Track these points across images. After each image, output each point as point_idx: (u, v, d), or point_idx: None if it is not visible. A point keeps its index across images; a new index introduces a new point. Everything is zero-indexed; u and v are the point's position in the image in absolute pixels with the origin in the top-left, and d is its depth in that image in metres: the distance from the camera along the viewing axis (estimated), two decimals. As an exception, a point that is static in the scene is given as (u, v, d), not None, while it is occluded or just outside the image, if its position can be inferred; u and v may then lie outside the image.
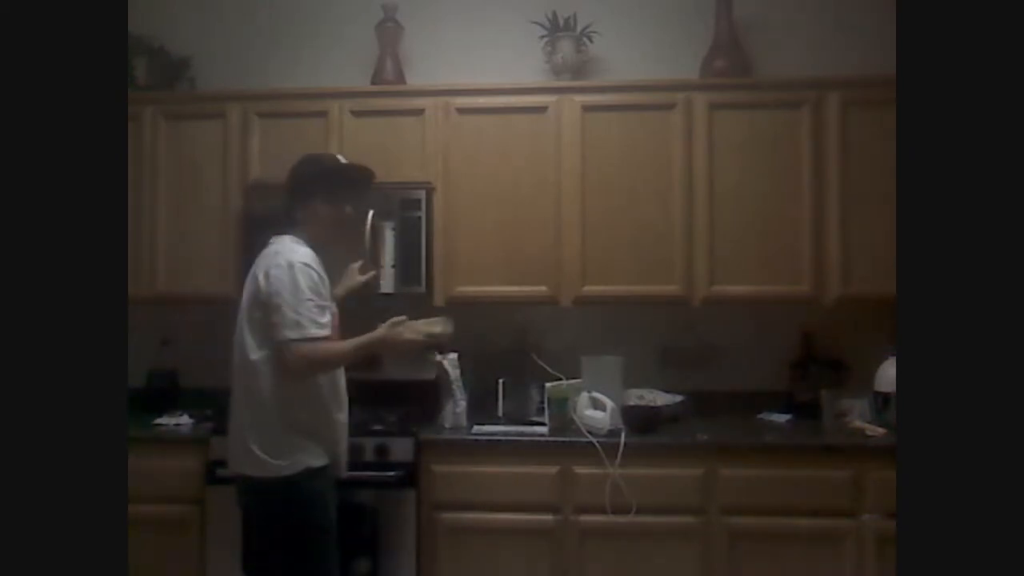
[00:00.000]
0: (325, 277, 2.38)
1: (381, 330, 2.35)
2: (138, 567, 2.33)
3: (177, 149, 3.36)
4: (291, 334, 2.25)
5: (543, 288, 3.17)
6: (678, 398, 3.15)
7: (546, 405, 3.00)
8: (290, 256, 2.33)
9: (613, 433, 2.90)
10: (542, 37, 3.44)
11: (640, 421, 2.98)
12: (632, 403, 3.08)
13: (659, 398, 3.15)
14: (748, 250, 3.13)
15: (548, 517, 2.89)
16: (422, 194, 3.12)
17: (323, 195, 2.43)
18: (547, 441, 2.93)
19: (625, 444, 2.83)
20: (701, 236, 3.14)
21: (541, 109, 3.22)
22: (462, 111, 3.20)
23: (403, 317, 2.37)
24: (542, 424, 3.00)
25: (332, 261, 2.54)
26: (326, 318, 2.32)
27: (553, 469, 2.89)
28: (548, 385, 3.04)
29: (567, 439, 2.93)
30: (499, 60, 3.53)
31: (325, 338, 2.30)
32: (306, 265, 2.31)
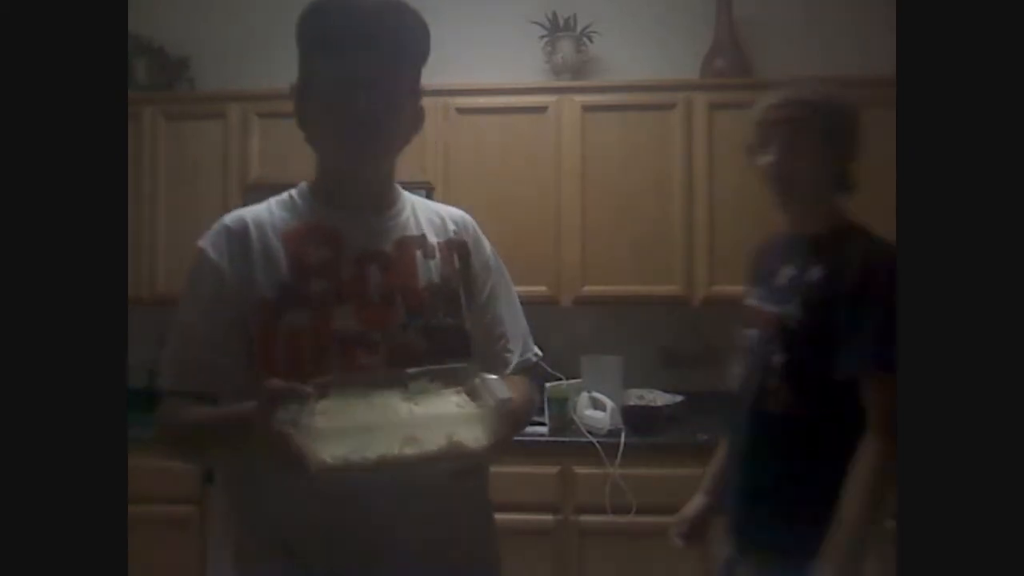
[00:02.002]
0: (271, 253, 1.27)
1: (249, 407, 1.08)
2: (138, 567, 2.34)
3: (177, 149, 3.36)
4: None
5: (543, 288, 3.16)
6: (678, 398, 3.15)
7: (546, 405, 3.00)
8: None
9: (613, 433, 2.90)
10: (542, 37, 3.44)
11: (640, 421, 2.98)
12: (632, 403, 3.08)
13: (659, 398, 3.15)
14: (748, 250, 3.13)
15: (548, 517, 2.88)
16: (422, 194, 3.12)
17: (301, 67, 1.34)
18: (547, 441, 2.93)
19: (625, 444, 2.83)
20: (701, 236, 3.14)
21: (541, 109, 3.22)
22: (462, 111, 3.20)
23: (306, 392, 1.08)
24: (542, 424, 3.00)
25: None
26: (215, 354, 1.23)
27: (553, 469, 2.89)
28: (548, 385, 3.04)
29: (567, 439, 2.93)
30: (499, 60, 3.53)
31: (201, 396, 1.23)
32: (216, 236, 1.29)
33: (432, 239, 1.38)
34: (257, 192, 3.14)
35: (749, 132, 1.85)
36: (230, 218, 1.33)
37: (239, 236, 1.29)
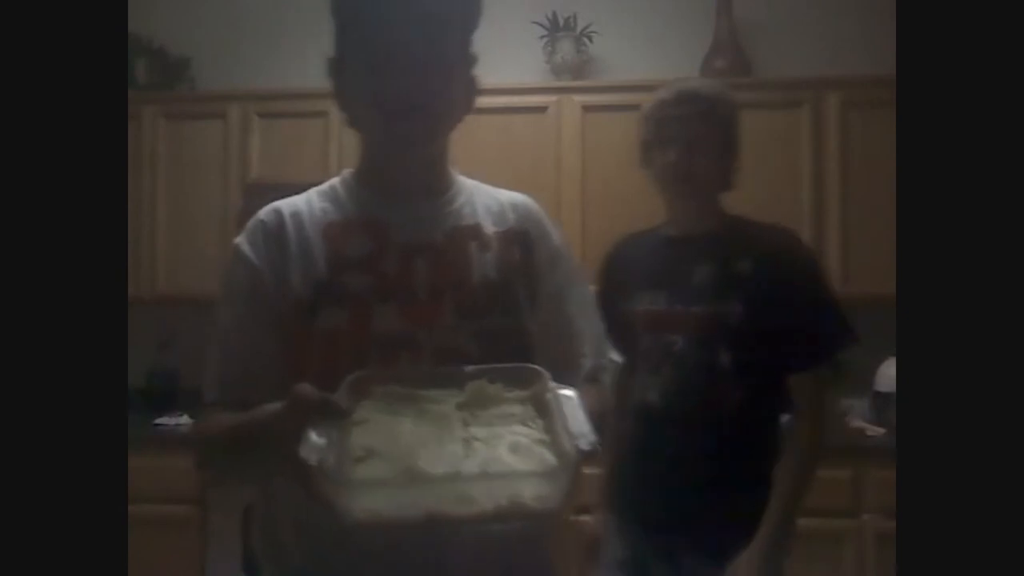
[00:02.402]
0: (309, 246, 1.17)
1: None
2: (138, 567, 2.34)
3: (177, 149, 3.36)
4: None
5: (543, 288, 3.16)
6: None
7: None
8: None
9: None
10: (542, 37, 3.44)
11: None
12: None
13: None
14: (748, 250, 3.13)
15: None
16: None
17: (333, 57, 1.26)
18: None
19: (625, 444, 2.82)
20: (701, 236, 3.14)
21: (541, 109, 3.22)
22: (462, 111, 3.20)
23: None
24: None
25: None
26: (255, 361, 1.13)
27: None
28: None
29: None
30: (499, 60, 3.52)
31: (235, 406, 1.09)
32: (251, 233, 1.19)
33: (489, 228, 1.22)
34: (257, 192, 3.15)
35: (641, 129, 1.83)
36: (265, 212, 1.21)
37: (274, 231, 1.18)
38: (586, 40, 3.45)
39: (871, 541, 2.77)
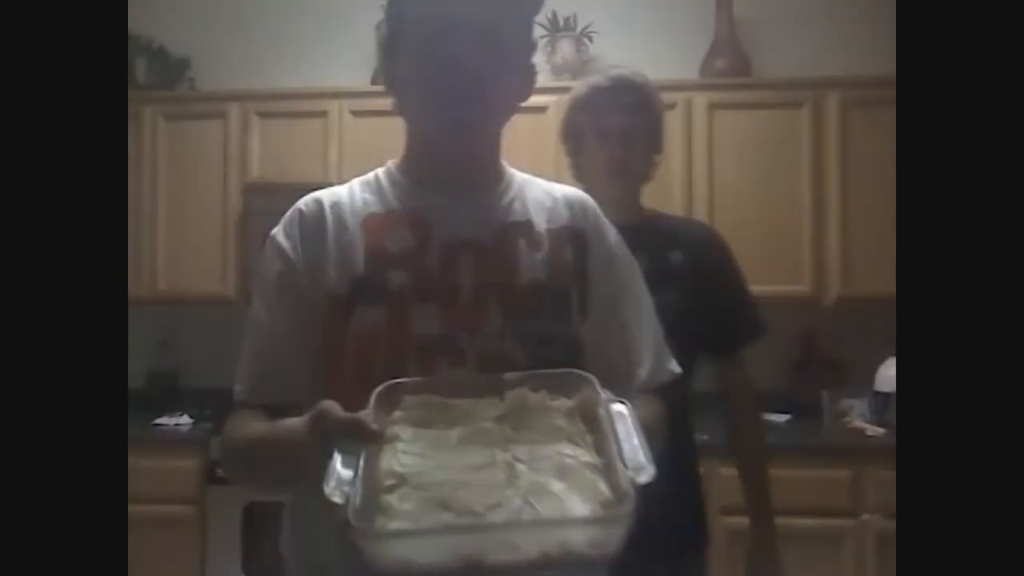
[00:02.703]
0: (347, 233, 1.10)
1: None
2: (138, 567, 2.34)
3: (177, 149, 3.36)
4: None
5: (543, 288, 3.16)
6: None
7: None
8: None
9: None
10: (542, 37, 3.44)
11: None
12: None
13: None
14: (748, 250, 3.11)
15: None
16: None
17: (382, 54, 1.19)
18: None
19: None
20: (701, 236, 3.14)
21: (541, 109, 3.21)
22: (462, 111, 3.20)
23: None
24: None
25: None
26: (288, 359, 1.08)
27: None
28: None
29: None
30: (499, 60, 3.53)
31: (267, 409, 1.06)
32: (289, 223, 1.13)
33: (541, 226, 1.13)
34: (257, 192, 3.15)
35: (569, 116, 1.79)
36: (305, 201, 1.13)
37: (312, 222, 1.10)
38: (586, 40, 3.45)
39: (871, 541, 2.77)
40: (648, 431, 0.87)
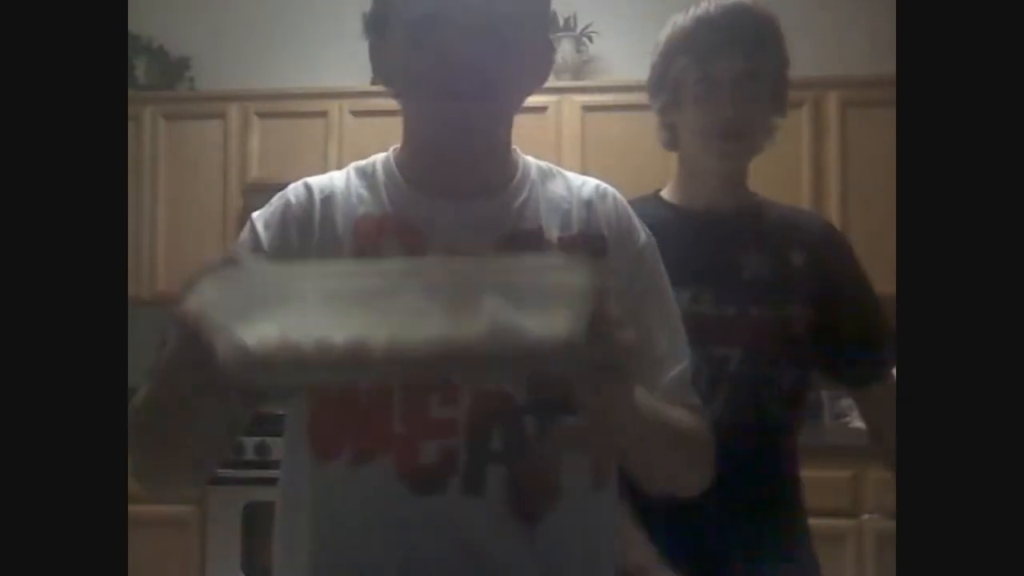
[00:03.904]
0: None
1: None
2: (138, 567, 2.34)
3: (177, 149, 3.36)
4: None
5: (543, 288, 3.16)
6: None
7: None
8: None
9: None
10: (542, 37, 3.44)
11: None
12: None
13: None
14: (748, 250, 3.14)
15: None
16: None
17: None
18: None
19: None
20: (701, 236, 3.15)
21: (541, 109, 3.22)
22: (462, 111, 3.20)
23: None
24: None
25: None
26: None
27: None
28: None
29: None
30: (499, 60, 3.53)
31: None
32: (271, 212, 1.01)
33: (552, 233, 0.97)
34: (257, 192, 3.14)
35: (663, 59, 1.37)
36: (295, 190, 1.00)
37: (299, 214, 0.97)
38: (586, 40, 3.45)
39: (871, 541, 2.77)
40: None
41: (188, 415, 0.82)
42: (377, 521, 0.92)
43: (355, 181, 1.01)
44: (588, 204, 1.01)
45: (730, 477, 1.19)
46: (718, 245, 1.32)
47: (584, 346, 0.64)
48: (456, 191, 0.98)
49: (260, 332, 0.62)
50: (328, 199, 0.99)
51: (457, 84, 0.89)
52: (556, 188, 1.03)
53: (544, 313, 0.63)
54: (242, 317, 0.63)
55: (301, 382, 0.68)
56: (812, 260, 1.34)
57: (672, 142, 1.39)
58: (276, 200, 1.01)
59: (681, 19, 1.37)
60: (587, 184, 1.05)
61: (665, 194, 1.44)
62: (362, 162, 1.04)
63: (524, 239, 0.97)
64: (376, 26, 0.97)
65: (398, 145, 1.04)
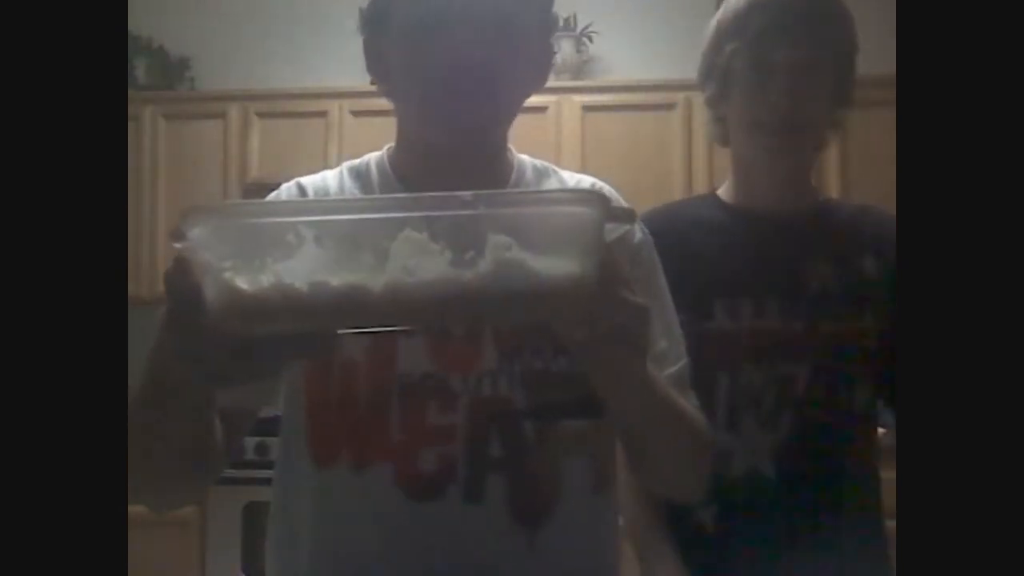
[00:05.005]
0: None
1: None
2: (138, 567, 2.34)
3: (177, 149, 3.36)
4: None
5: (543, 288, 3.16)
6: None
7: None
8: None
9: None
10: (542, 37, 3.44)
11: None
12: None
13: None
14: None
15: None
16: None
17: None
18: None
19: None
20: (701, 236, 3.15)
21: (541, 109, 3.22)
22: (462, 111, 3.20)
23: None
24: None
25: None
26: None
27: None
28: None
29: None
30: (499, 60, 3.53)
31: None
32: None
33: None
34: (257, 192, 3.14)
35: (715, 45, 1.27)
36: (287, 190, 1.00)
37: None
38: (586, 40, 3.45)
39: (871, 541, 2.77)
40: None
41: (176, 405, 0.80)
42: (376, 527, 0.91)
43: (348, 180, 1.00)
44: None
45: (798, 515, 1.14)
46: (781, 251, 1.19)
47: (595, 286, 0.61)
48: (451, 190, 0.96)
49: (253, 275, 0.59)
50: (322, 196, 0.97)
51: (459, 84, 0.87)
52: (552, 187, 1.02)
53: (552, 250, 0.60)
54: (233, 259, 0.60)
55: (296, 328, 0.62)
56: (886, 266, 1.19)
57: (723, 137, 1.26)
58: (270, 199, 0.99)
59: (734, 1, 1.23)
60: (583, 182, 1.03)
61: (722, 193, 1.30)
62: (355, 161, 1.03)
63: None
64: (374, 23, 0.95)
65: (392, 145, 1.02)
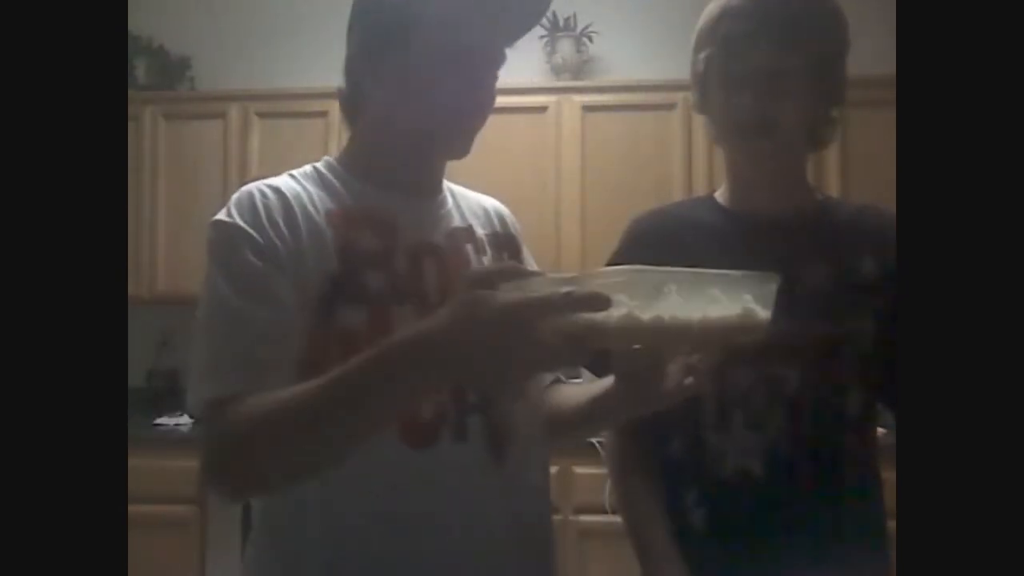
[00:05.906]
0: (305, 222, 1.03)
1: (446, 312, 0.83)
2: (138, 567, 2.34)
3: (177, 149, 3.36)
4: (191, 393, 1.00)
5: (543, 288, 3.16)
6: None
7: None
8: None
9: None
10: (542, 37, 3.44)
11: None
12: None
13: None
14: (748, 250, 3.13)
15: (548, 517, 2.88)
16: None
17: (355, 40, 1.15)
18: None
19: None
20: (701, 236, 3.14)
21: (541, 109, 3.22)
22: (462, 111, 3.20)
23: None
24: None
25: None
26: (271, 348, 0.97)
27: (552, 469, 2.89)
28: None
29: (567, 439, 2.93)
30: (499, 60, 3.53)
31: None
32: (238, 211, 1.02)
33: (479, 231, 1.17)
34: (257, 192, 3.15)
35: (697, 52, 1.25)
36: (258, 189, 1.05)
37: (279, 206, 1.03)
38: (586, 40, 3.45)
39: (871, 541, 2.78)
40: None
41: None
42: (375, 478, 0.99)
43: (304, 184, 1.09)
44: (497, 212, 1.23)
45: (789, 515, 1.14)
46: (773, 253, 1.14)
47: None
48: (409, 191, 1.11)
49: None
50: (296, 196, 1.06)
51: (474, 102, 1.09)
52: (466, 198, 1.22)
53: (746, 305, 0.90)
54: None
55: (624, 346, 0.93)
56: (886, 268, 1.18)
57: (719, 140, 1.27)
58: (246, 201, 1.03)
59: (712, 7, 1.22)
60: (486, 197, 1.26)
61: (719, 195, 1.31)
62: (296, 171, 1.12)
63: (463, 234, 1.14)
64: (390, 36, 1.06)
65: (329, 157, 1.14)
